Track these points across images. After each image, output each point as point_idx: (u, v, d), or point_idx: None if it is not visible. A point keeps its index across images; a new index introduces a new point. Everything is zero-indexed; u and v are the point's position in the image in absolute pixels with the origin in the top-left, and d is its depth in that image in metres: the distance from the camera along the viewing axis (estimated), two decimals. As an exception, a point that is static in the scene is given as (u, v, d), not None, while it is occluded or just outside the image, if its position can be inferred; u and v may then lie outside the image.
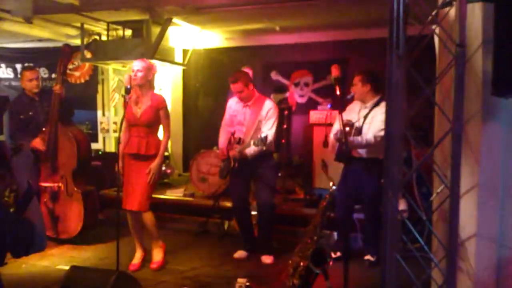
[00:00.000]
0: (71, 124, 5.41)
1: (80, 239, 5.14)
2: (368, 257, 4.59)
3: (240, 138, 4.65)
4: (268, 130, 4.54)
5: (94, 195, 5.38)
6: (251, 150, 4.50)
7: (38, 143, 5.02)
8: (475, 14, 2.83)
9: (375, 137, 4.34)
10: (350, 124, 4.44)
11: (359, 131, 4.46)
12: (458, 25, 2.60)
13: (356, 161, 4.49)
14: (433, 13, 2.70)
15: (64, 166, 5.08)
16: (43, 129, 5.10)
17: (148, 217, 4.44)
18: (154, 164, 4.36)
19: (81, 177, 5.19)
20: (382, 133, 4.37)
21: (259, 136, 4.33)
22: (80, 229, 5.07)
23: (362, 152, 4.53)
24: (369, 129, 4.44)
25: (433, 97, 2.87)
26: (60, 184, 5.06)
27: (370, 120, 4.48)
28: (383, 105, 4.46)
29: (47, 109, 5.10)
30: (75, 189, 5.07)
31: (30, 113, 5.16)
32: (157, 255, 4.55)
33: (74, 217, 5.07)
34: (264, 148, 4.38)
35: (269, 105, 4.68)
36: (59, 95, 5.06)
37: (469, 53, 2.75)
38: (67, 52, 5.33)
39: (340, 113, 3.95)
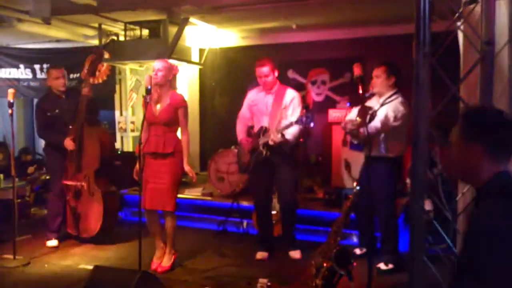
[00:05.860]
0: (96, 124, 5.47)
1: (101, 239, 5.17)
2: (380, 264, 4.32)
3: (264, 127, 4.62)
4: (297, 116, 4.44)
5: (115, 196, 5.44)
6: (293, 129, 4.45)
7: (69, 143, 5.09)
8: (501, 11, 2.79)
9: (381, 123, 4.20)
10: (371, 112, 4.29)
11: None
12: (484, 22, 2.56)
13: (367, 160, 4.27)
14: (460, 10, 2.67)
15: (87, 166, 5.13)
16: (70, 127, 5.16)
17: (171, 220, 4.43)
18: (186, 166, 4.39)
19: (103, 178, 5.23)
20: (392, 123, 4.22)
21: (298, 116, 4.31)
22: (99, 228, 5.10)
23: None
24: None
25: (459, 95, 2.83)
26: (83, 183, 5.11)
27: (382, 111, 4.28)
28: (396, 99, 4.32)
29: (73, 108, 5.15)
30: (97, 189, 5.11)
31: (57, 110, 5.20)
32: (167, 261, 4.46)
33: (94, 216, 5.11)
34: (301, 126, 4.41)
35: (292, 93, 4.67)
36: (87, 97, 5.13)
37: (495, 51, 2.71)
38: (100, 54, 5.48)
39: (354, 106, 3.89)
